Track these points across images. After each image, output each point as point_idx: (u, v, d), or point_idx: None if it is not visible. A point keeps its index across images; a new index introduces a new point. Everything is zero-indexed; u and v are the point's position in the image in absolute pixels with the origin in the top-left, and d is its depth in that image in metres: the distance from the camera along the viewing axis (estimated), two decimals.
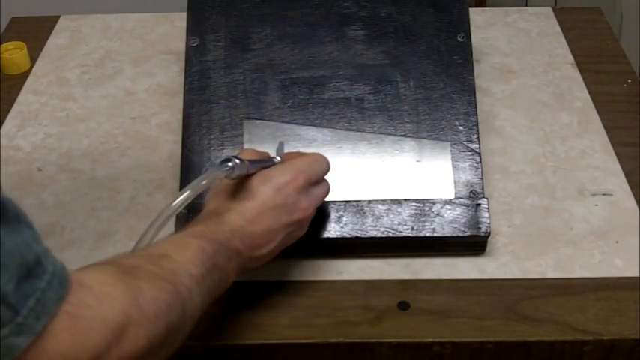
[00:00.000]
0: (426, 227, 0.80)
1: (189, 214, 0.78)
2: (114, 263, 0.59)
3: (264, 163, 0.75)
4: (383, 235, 0.80)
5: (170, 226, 0.77)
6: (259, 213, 0.70)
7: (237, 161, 0.69)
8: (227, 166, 0.68)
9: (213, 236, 0.67)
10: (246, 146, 0.84)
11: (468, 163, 0.84)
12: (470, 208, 0.81)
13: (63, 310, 0.51)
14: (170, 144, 0.97)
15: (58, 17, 1.24)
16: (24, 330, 0.49)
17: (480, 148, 0.85)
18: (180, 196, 0.66)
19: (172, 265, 0.61)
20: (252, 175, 0.72)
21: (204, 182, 0.67)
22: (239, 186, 0.72)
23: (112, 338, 0.52)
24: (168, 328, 0.58)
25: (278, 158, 0.77)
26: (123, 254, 0.62)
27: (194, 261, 0.63)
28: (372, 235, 0.80)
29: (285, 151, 0.82)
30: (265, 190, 0.71)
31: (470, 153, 0.84)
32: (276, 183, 0.72)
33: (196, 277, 0.62)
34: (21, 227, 0.50)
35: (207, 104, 0.87)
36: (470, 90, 0.87)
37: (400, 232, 0.80)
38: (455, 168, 0.83)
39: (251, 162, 0.72)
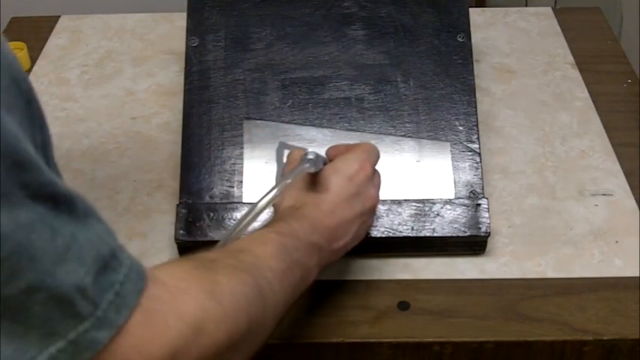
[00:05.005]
0: (426, 227, 0.80)
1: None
2: (192, 258, 0.58)
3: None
4: (383, 235, 0.80)
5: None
6: (335, 204, 0.71)
7: (317, 154, 0.70)
8: (308, 160, 0.70)
9: (294, 233, 0.66)
10: (246, 146, 0.84)
11: (467, 163, 0.84)
12: (470, 208, 0.81)
13: (137, 305, 0.49)
14: (170, 144, 0.97)
15: (58, 17, 1.24)
16: (105, 324, 0.47)
17: (479, 148, 0.85)
18: (270, 193, 0.67)
19: (252, 258, 0.61)
20: (321, 169, 0.73)
21: (289, 180, 0.68)
22: (311, 179, 0.72)
23: (189, 333, 0.51)
24: (249, 323, 0.56)
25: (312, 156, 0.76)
26: (205, 251, 0.61)
27: (275, 256, 0.62)
28: (372, 235, 0.80)
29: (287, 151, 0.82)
30: (338, 180, 0.72)
31: (470, 153, 0.84)
32: (347, 172, 0.72)
33: (277, 272, 0.61)
34: (91, 222, 0.49)
35: (207, 104, 0.87)
36: (470, 90, 0.87)
37: (400, 232, 0.80)
38: (455, 168, 0.83)
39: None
